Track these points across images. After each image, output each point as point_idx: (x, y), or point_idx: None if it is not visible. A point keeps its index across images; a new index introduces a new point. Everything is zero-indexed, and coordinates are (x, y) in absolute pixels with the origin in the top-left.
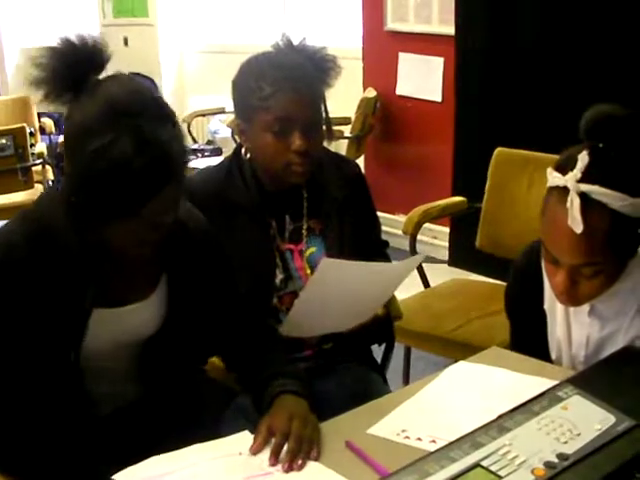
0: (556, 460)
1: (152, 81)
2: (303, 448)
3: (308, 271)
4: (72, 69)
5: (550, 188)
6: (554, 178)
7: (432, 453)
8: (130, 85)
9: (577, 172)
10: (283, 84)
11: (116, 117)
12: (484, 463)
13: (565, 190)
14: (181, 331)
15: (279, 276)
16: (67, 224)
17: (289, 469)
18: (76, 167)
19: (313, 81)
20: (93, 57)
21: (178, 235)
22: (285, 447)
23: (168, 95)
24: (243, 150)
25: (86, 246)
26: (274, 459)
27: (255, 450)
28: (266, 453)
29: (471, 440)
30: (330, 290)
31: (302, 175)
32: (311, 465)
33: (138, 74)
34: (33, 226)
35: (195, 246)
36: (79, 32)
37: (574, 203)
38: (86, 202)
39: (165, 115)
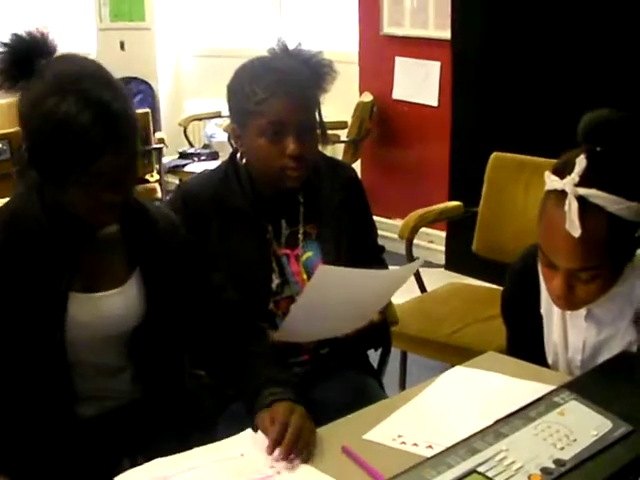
0: (553, 466)
1: (148, 85)
2: (301, 440)
3: (304, 276)
4: (19, 57)
5: (548, 192)
6: (552, 182)
7: (428, 459)
8: (74, 60)
9: (575, 176)
10: (277, 89)
11: (60, 84)
12: (481, 469)
13: (563, 194)
14: (164, 327)
15: (275, 281)
16: (38, 207)
17: (285, 458)
18: (28, 135)
19: (308, 85)
20: (39, 44)
21: (147, 231)
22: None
23: (164, 99)
24: (239, 155)
25: (58, 228)
26: (273, 448)
27: (273, 440)
28: (267, 456)
29: (467, 446)
30: (327, 296)
31: (297, 180)
32: (307, 470)
33: (135, 78)
34: (6, 213)
35: (164, 245)
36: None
37: (572, 207)
38: (41, 166)
39: (108, 81)
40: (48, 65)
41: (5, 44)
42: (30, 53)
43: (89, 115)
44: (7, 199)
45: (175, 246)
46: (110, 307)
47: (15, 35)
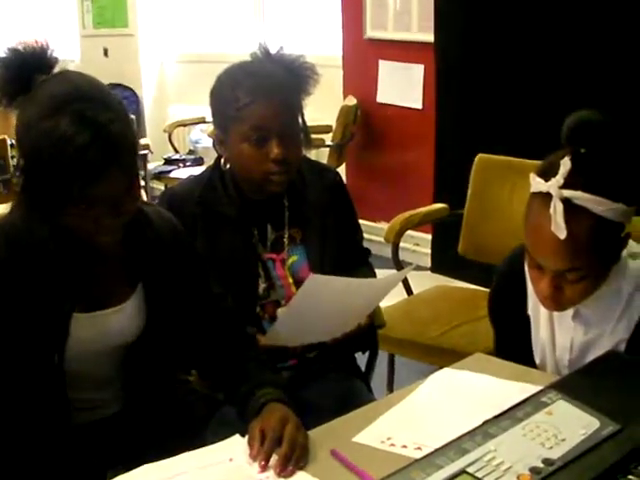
0: (541, 465)
1: (132, 91)
2: (295, 454)
3: (290, 280)
4: (17, 74)
5: (533, 194)
6: (537, 184)
7: (418, 460)
8: (71, 78)
9: (560, 178)
10: (259, 93)
11: (57, 105)
12: (470, 469)
13: (548, 196)
14: (161, 337)
15: (261, 285)
16: (45, 228)
17: (280, 474)
18: (24, 157)
19: (289, 90)
20: (37, 59)
21: (149, 236)
22: (276, 452)
23: (149, 105)
24: (222, 160)
25: (61, 248)
26: (265, 463)
27: (255, 455)
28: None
29: (456, 447)
30: (316, 304)
31: (281, 184)
32: (297, 474)
33: (119, 84)
34: (8, 232)
35: (166, 246)
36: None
37: (557, 209)
38: (38, 189)
39: (104, 101)
40: (43, 84)
41: (2, 60)
42: (29, 69)
43: (85, 137)
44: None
45: (176, 251)
46: (111, 324)
47: (12, 50)
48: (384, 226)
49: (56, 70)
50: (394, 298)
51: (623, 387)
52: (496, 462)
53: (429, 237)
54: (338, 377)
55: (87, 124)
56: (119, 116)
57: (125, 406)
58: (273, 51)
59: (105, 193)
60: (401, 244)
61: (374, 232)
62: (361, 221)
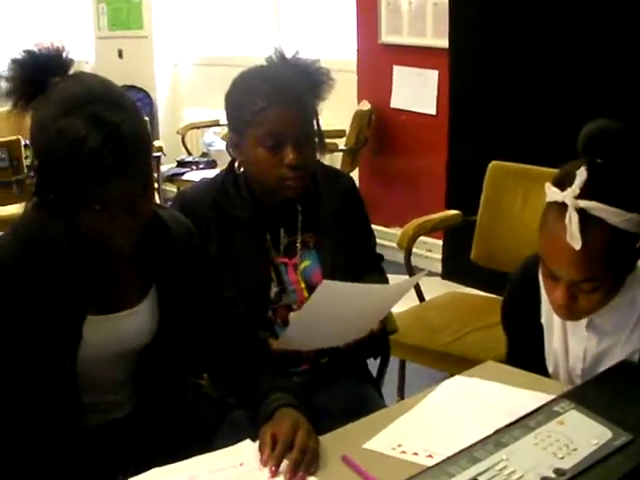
0: (553, 475)
1: (146, 93)
2: (306, 459)
3: (302, 285)
4: (32, 76)
5: (548, 204)
6: (552, 194)
7: (429, 468)
8: (85, 80)
9: (575, 188)
10: (275, 98)
11: (71, 106)
12: (481, 478)
13: (563, 206)
14: (174, 341)
15: (273, 289)
16: (59, 229)
17: (291, 479)
18: (37, 158)
19: (305, 94)
20: (52, 62)
21: (164, 240)
22: (287, 457)
23: (162, 107)
24: (237, 164)
25: (76, 250)
26: (275, 469)
27: (266, 460)
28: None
29: (468, 455)
30: (328, 309)
31: (296, 189)
32: (307, 479)
33: (133, 86)
34: (22, 234)
35: (181, 250)
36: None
37: (572, 219)
38: (51, 190)
39: (117, 102)
40: (57, 86)
41: (18, 61)
42: (44, 71)
43: (98, 138)
44: (5, 207)
45: (190, 255)
46: (124, 327)
47: (28, 52)
48: (397, 231)
49: (71, 72)
50: (406, 304)
51: (636, 398)
52: (508, 471)
53: (440, 243)
54: (350, 383)
55: (100, 125)
56: (132, 117)
57: (137, 409)
58: (289, 55)
59: (119, 194)
60: (413, 250)
61: (387, 237)
62: (374, 226)
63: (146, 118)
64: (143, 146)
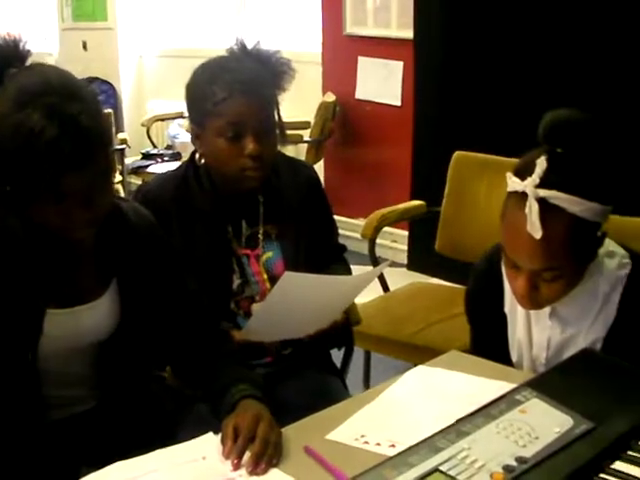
0: (515, 464)
1: (111, 85)
2: (268, 451)
3: (265, 276)
4: None
5: (509, 193)
6: (513, 183)
7: (391, 458)
8: (41, 71)
9: (535, 177)
10: (235, 89)
11: (26, 99)
12: (443, 468)
13: (524, 195)
14: (136, 334)
15: (236, 281)
16: (16, 222)
17: (252, 473)
18: None
19: (266, 85)
20: (8, 53)
21: (124, 232)
22: (249, 449)
23: (127, 100)
24: (197, 155)
25: (34, 243)
26: (237, 461)
27: (227, 453)
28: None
29: (429, 445)
30: (291, 301)
31: (256, 180)
32: (270, 471)
33: (97, 78)
34: None
35: (142, 243)
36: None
37: (533, 209)
38: (8, 183)
39: (75, 94)
40: (13, 77)
41: None
42: (0, 62)
43: (55, 130)
44: None
45: (151, 248)
46: (85, 321)
47: None
48: (362, 223)
49: (29, 63)
50: (370, 295)
51: (597, 385)
52: (469, 460)
53: (406, 234)
54: (313, 374)
55: (57, 117)
56: (90, 108)
57: (99, 403)
58: (250, 46)
59: (77, 187)
60: (378, 241)
61: (352, 229)
62: (339, 217)
63: (110, 110)
64: (102, 138)
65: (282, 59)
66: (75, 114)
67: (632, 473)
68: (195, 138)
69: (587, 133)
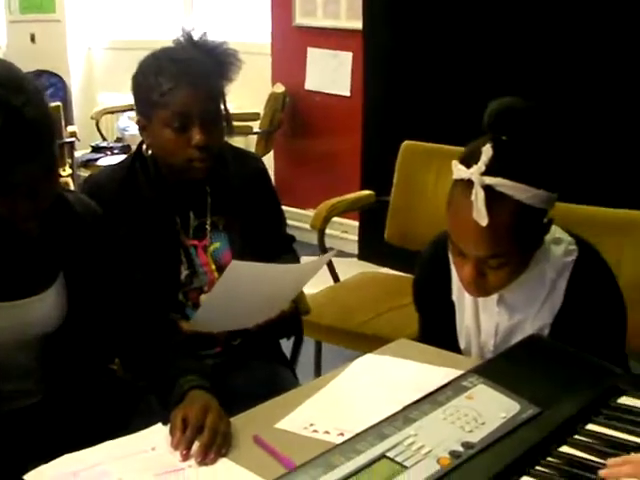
0: (461, 449)
1: (60, 78)
2: (217, 441)
3: (213, 266)
4: None
5: (455, 181)
6: (458, 171)
7: (338, 445)
8: None
9: (481, 165)
10: (181, 80)
11: None
12: (390, 454)
13: (470, 183)
14: (83, 326)
15: (184, 272)
16: None
17: (201, 463)
18: None
19: (212, 76)
20: None
21: (71, 224)
22: (198, 439)
23: (77, 92)
24: (144, 146)
25: None
26: (187, 452)
27: (176, 444)
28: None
29: (376, 431)
30: (238, 290)
31: (203, 170)
32: (219, 461)
33: (46, 71)
34: None
35: (89, 234)
36: None
37: (478, 196)
38: None
39: (20, 85)
40: None
41: None
42: None
43: None
44: None
45: (98, 239)
46: (31, 314)
47: None
48: (312, 213)
49: None
50: (320, 285)
51: (544, 371)
52: (416, 446)
53: (356, 224)
54: (263, 364)
55: (1, 109)
56: (35, 100)
57: (45, 396)
58: (196, 37)
59: (21, 179)
60: (329, 231)
61: (302, 219)
62: (289, 208)
63: (59, 103)
64: (47, 130)
65: (229, 50)
66: (19, 106)
67: (578, 455)
68: (142, 129)
69: (531, 121)
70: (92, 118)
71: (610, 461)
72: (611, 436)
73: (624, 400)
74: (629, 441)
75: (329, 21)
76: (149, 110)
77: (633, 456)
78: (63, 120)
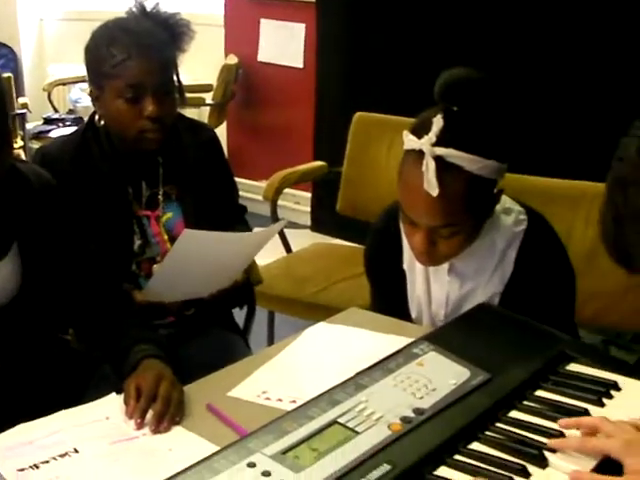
0: (412, 415)
1: (11, 49)
2: (170, 410)
3: (165, 237)
4: None
5: (406, 151)
6: (409, 141)
7: (290, 412)
8: None
9: (432, 135)
10: (134, 50)
11: None
12: (341, 420)
13: (420, 153)
14: (37, 297)
15: (137, 242)
16: None
17: (155, 431)
18: None
19: (164, 47)
20: None
21: (24, 195)
22: (152, 408)
23: (28, 64)
24: (97, 117)
25: None
26: (141, 421)
27: (130, 413)
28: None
29: (328, 398)
30: (191, 259)
31: (155, 141)
32: (172, 429)
33: None
34: None
35: (42, 205)
36: None
37: (429, 167)
38: None
39: None
40: None
41: None
42: None
43: None
44: None
45: (51, 210)
46: None
47: None
48: (264, 185)
49: None
50: (273, 256)
51: (493, 338)
52: (367, 412)
53: (309, 195)
54: (216, 333)
55: None
56: None
57: (0, 368)
58: (149, 8)
59: None
60: (281, 202)
61: (255, 191)
62: (241, 180)
63: (10, 74)
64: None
65: (181, 20)
66: None
67: (527, 420)
68: (94, 100)
69: (482, 91)
70: (44, 90)
71: (562, 422)
72: (559, 402)
73: (572, 367)
74: (576, 406)
75: None
76: (101, 81)
77: (583, 418)
78: (14, 92)
